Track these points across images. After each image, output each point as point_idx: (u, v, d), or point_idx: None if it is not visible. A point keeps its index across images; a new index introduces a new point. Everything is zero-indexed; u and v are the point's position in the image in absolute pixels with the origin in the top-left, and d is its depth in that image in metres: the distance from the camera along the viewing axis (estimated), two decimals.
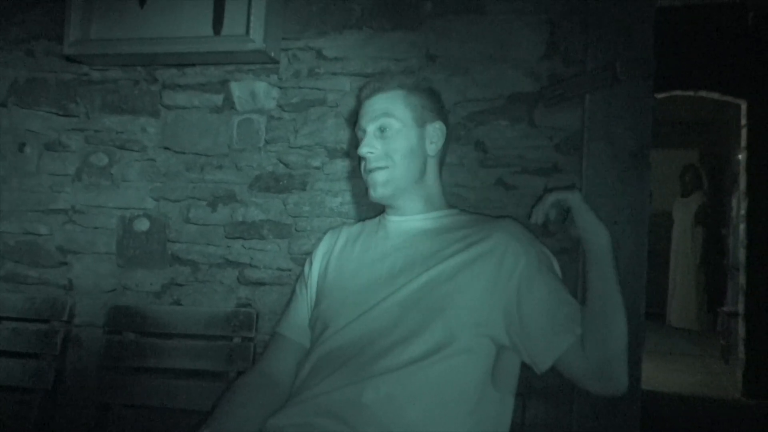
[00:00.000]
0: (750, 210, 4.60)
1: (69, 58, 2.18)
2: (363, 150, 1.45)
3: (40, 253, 2.24)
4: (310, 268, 1.57)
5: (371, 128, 1.45)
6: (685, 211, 7.11)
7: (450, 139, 1.55)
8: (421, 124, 1.46)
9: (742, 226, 4.73)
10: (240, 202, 2.10)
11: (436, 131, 1.49)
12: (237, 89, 2.13)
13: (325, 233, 1.62)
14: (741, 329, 4.64)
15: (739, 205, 5.03)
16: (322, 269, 1.54)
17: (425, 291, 1.34)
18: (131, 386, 1.99)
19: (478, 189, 1.94)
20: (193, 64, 2.15)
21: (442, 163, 1.54)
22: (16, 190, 2.26)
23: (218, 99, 2.14)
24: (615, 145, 1.84)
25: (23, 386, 2.03)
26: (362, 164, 1.48)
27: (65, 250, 2.22)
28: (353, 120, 1.72)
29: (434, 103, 1.52)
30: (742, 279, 4.67)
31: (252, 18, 1.96)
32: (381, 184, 1.44)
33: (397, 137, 1.44)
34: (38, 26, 2.28)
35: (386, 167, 1.43)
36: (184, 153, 2.15)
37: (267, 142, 2.09)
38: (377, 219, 1.57)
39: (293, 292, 1.60)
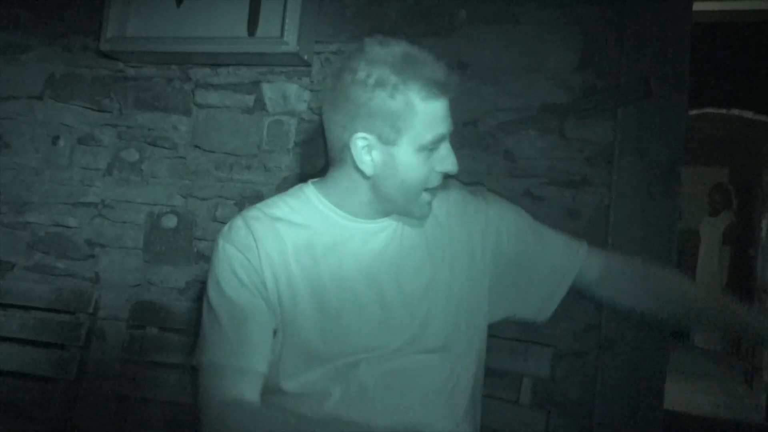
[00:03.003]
0: None
1: (105, 55, 2.21)
2: (456, 167, 1.25)
3: (68, 246, 2.26)
4: (259, 276, 1.22)
5: (450, 133, 1.24)
6: (713, 230, 7.01)
7: None
8: None
9: None
10: None
11: None
12: (269, 91, 2.14)
13: (232, 240, 1.26)
14: (766, 353, 4.56)
15: None
16: (282, 286, 1.23)
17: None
18: (152, 380, 2.00)
19: (506, 199, 1.93)
20: (227, 65, 2.17)
21: None
22: (48, 182, 2.29)
23: (250, 100, 2.15)
24: (646, 160, 1.82)
25: (47, 376, 2.05)
26: (428, 174, 1.22)
27: (93, 243, 2.25)
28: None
29: None
30: None
31: (287, 20, 1.97)
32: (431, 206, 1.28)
33: None
34: (76, 22, 2.32)
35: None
36: (213, 152, 2.17)
37: (296, 144, 2.10)
38: (324, 218, 1.27)
39: (234, 317, 1.23)
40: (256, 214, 1.28)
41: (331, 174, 1.28)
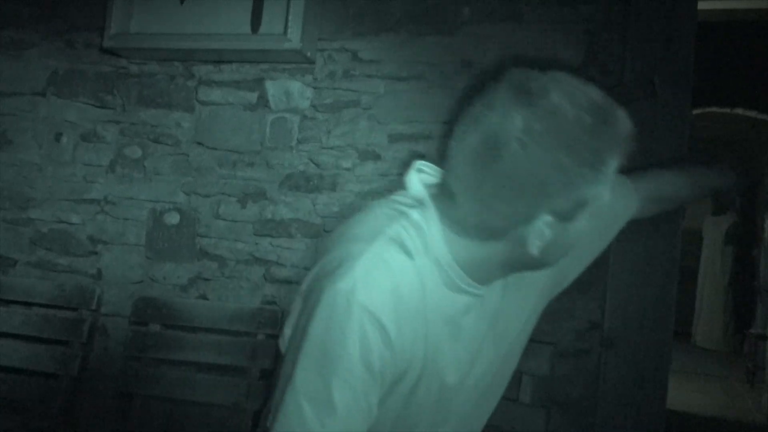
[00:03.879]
0: None
1: (108, 51, 2.21)
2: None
3: (71, 242, 2.27)
4: (382, 375, 0.88)
5: None
6: (716, 230, 7.00)
7: None
8: None
9: None
10: (270, 199, 2.11)
11: None
12: (272, 88, 2.14)
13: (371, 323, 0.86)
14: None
15: None
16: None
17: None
18: (154, 377, 2.01)
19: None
20: (230, 62, 2.17)
21: None
22: (51, 178, 2.29)
23: (253, 97, 2.15)
24: (651, 159, 1.82)
25: (49, 372, 2.06)
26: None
27: (96, 239, 2.25)
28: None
29: None
30: None
31: (290, 17, 1.97)
32: None
33: None
34: (79, 19, 2.32)
35: None
36: (216, 149, 2.17)
37: (299, 141, 2.10)
38: (448, 282, 0.94)
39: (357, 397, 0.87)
40: (402, 264, 0.88)
41: (470, 241, 0.91)
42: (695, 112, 4.57)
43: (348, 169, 2.06)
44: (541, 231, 0.86)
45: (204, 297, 2.14)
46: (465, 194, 0.87)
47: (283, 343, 0.92)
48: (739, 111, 4.72)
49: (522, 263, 0.94)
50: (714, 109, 4.72)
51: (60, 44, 2.34)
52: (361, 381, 0.84)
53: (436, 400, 0.98)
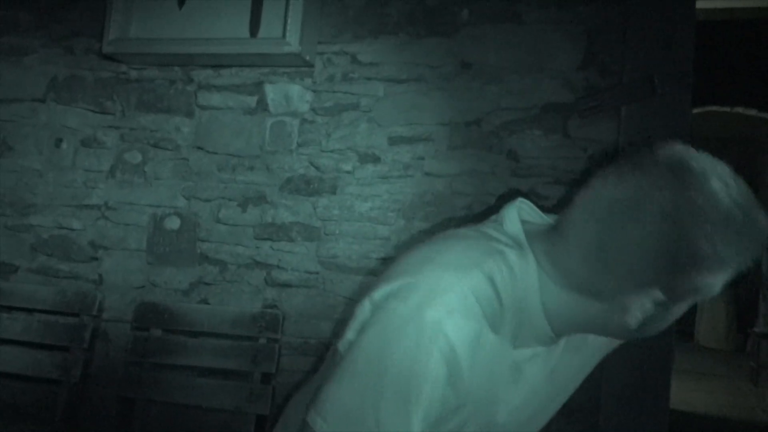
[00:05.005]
0: None
1: (107, 57, 2.21)
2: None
3: (72, 248, 2.27)
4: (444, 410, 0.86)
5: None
6: None
7: None
8: None
9: None
10: (270, 203, 2.11)
11: None
12: (271, 92, 2.14)
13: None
14: None
15: None
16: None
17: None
18: (156, 382, 2.01)
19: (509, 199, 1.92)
20: (229, 66, 2.17)
21: None
22: (51, 184, 2.30)
23: (252, 101, 2.15)
24: None
25: (51, 378, 2.06)
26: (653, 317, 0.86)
27: (97, 245, 2.25)
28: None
29: None
30: None
31: (289, 21, 1.97)
32: None
33: None
34: (78, 24, 2.32)
35: None
36: (216, 153, 2.17)
37: (299, 144, 2.10)
38: (534, 333, 0.93)
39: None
40: (493, 310, 0.86)
41: (568, 293, 0.89)
42: (695, 111, 4.57)
43: (348, 172, 2.06)
44: (645, 304, 0.83)
45: (205, 301, 2.14)
46: (584, 247, 0.84)
47: (344, 345, 0.88)
48: (740, 109, 4.72)
49: (610, 330, 0.92)
50: (714, 107, 4.73)
51: (59, 50, 2.34)
52: (417, 409, 0.81)
53: None
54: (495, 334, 0.86)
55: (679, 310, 0.87)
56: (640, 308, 0.83)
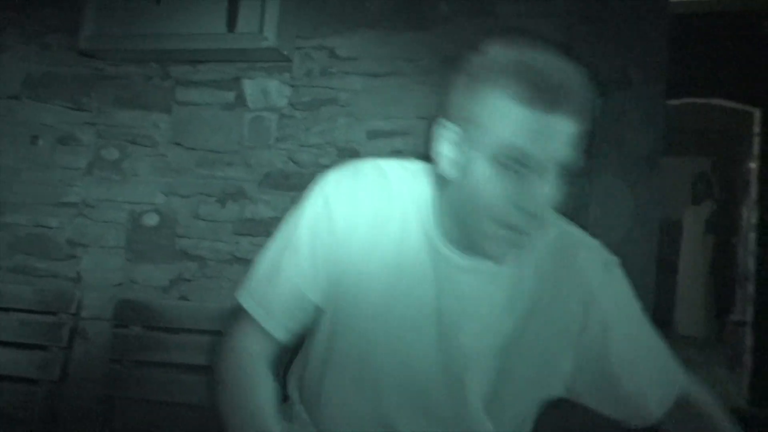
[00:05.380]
0: (761, 219, 4.57)
1: (84, 53, 2.19)
2: (547, 193, 0.89)
3: (49, 246, 2.25)
4: (330, 228, 1.01)
5: (554, 165, 0.89)
6: (696, 220, 7.08)
7: None
8: None
9: (752, 235, 4.71)
10: (249, 199, 2.11)
11: None
12: (249, 87, 2.13)
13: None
14: (748, 338, 4.61)
15: (749, 215, 5.00)
16: (345, 252, 1.02)
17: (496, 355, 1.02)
18: (137, 380, 1.99)
19: None
20: (207, 61, 2.16)
21: None
22: (28, 182, 2.27)
23: (230, 96, 2.14)
24: (626, 150, 1.84)
25: (30, 377, 2.03)
26: (493, 210, 0.90)
27: (75, 243, 2.23)
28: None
29: None
30: (750, 288, 4.65)
31: (266, 16, 1.96)
32: (513, 251, 0.96)
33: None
34: (54, 20, 2.29)
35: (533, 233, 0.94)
36: (194, 149, 2.16)
37: (277, 140, 2.10)
38: (417, 227, 1.01)
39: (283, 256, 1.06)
40: (373, 180, 1.05)
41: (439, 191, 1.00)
42: (673, 103, 4.60)
43: (327, 167, 2.04)
44: (443, 139, 0.98)
45: (185, 298, 2.13)
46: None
47: None
48: (717, 101, 4.77)
49: (454, 216, 0.96)
50: (693, 99, 4.76)
51: (35, 47, 2.31)
52: (308, 248, 1.02)
53: (360, 361, 1.02)
54: (386, 206, 1.01)
55: (484, 160, 0.90)
56: (446, 148, 0.96)
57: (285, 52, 2.03)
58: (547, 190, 0.89)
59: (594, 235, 1.82)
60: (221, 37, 2.03)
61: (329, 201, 1.02)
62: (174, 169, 2.17)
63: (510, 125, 0.88)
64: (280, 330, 1.05)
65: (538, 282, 1.02)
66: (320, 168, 2.05)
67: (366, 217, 1.01)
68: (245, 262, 2.10)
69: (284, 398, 1.19)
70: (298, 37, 2.09)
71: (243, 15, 2.04)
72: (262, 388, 1.03)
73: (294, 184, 2.07)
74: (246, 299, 1.07)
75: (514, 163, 0.87)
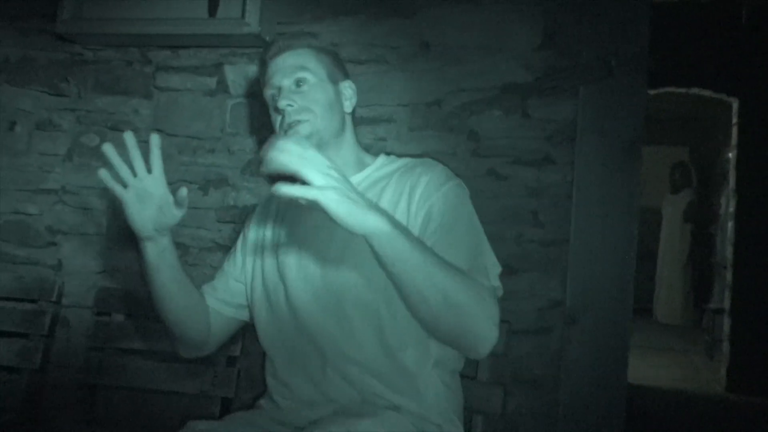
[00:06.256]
0: (738, 208, 4.64)
1: (62, 37, 2.16)
2: (282, 103, 1.40)
3: (29, 233, 2.22)
4: (244, 237, 1.60)
5: (287, 83, 1.43)
6: (675, 208, 7.16)
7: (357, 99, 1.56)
8: (334, 81, 1.48)
9: (730, 224, 4.77)
10: (232, 186, 2.10)
11: (348, 89, 1.52)
12: (231, 73, 2.12)
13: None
14: (726, 326, 4.69)
15: (727, 203, 5.07)
16: (258, 239, 1.55)
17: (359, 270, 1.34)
18: (119, 368, 1.98)
19: (470, 179, 1.92)
20: (188, 47, 2.14)
21: (354, 124, 1.55)
22: (6, 169, 2.24)
23: (212, 82, 2.13)
24: (607, 138, 1.85)
25: (10, 366, 2.02)
26: (279, 121, 1.44)
27: (54, 230, 2.21)
28: (257, 85, 1.72)
29: (341, 63, 1.56)
30: (728, 276, 4.71)
31: (248, 1, 1.94)
32: (305, 137, 1.35)
33: (315, 90, 1.43)
34: (31, 3, 2.25)
35: (308, 120, 1.41)
36: (176, 135, 2.14)
37: (260, 126, 2.09)
38: None
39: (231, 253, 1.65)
40: None
41: None
42: (653, 92, 4.64)
43: None
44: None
45: None
46: None
47: None
48: (696, 90, 4.81)
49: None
50: (671, 89, 4.81)
51: (11, 31, 2.27)
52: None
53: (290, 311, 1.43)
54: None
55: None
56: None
57: (267, 38, 2.01)
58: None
59: (577, 220, 1.84)
60: (202, 22, 2.01)
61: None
62: None
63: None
64: None
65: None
66: None
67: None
68: (227, 250, 2.09)
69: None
70: (279, 23, 2.07)
71: (224, 0, 2.02)
72: None
73: None
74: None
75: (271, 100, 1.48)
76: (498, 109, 1.94)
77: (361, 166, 1.50)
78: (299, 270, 1.42)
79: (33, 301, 2.08)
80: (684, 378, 4.85)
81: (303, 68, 1.43)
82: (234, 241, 2.03)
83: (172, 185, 2.10)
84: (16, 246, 2.23)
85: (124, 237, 2.15)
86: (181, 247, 2.11)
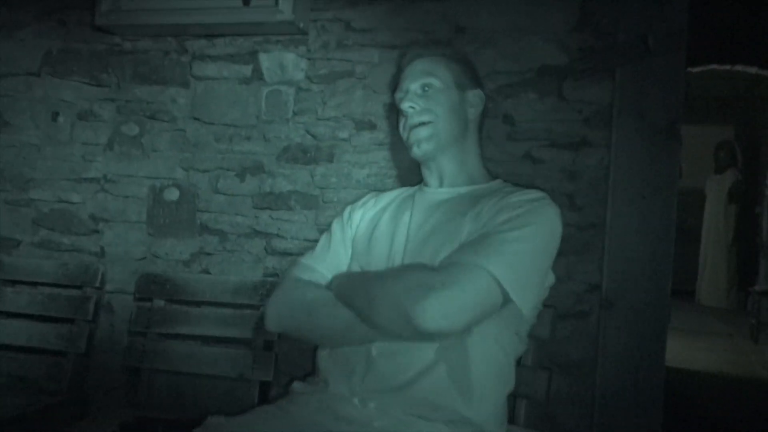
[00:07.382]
0: None
1: (100, 29, 2.20)
2: (405, 105, 1.50)
3: (72, 221, 2.28)
4: (350, 217, 1.63)
5: (414, 87, 1.51)
6: (719, 188, 6.99)
7: (487, 111, 1.63)
8: (461, 88, 1.53)
9: None
10: (268, 173, 2.12)
11: (475, 97, 1.56)
12: (266, 60, 2.13)
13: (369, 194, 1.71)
14: None
15: None
16: (359, 226, 1.60)
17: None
18: (160, 352, 2.04)
19: (505, 163, 1.93)
20: (223, 35, 2.16)
21: (481, 133, 1.60)
22: (50, 158, 2.30)
23: (247, 70, 2.15)
24: (645, 120, 1.82)
25: (57, 349, 2.09)
26: (402, 123, 1.54)
27: (97, 218, 2.26)
28: (392, 89, 1.87)
29: (472, 71, 1.60)
30: None
31: None
32: (425, 139, 1.48)
33: (439, 94, 1.49)
34: None
35: (430, 122, 1.48)
36: (213, 124, 2.17)
37: (295, 113, 2.10)
38: (413, 189, 1.62)
39: (331, 234, 1.63)
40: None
41: None
42: (695, 70, 4.54)
43: (345, 140, 2.06)
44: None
45: (206, 271, 2.16)
46: None
47: None
48: (740, 67, 4.68)
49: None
50: (714, 66, 4.69)
51: (52, 23, 2.32)
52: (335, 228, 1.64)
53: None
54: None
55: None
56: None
57: (300, 25, 2.02)
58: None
59: (614, 203, 1.82)
60: (237, 11, 2.02)
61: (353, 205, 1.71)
62: (193, 143, 2.18)
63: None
64: None
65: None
66: (337, 141, 2.06)
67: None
68: (264, 236, 2.12)
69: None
70: (312, 10, 2.08)
71: None
72: None
73: (312, 158, 2.08)
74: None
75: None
76: (533, 91, 1.92)
77: (471, 181, 1.54)
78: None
79: (78, 287, 2.14)
80: (728, 362, 4.75)
81: (430, 74, 1.50)
82: (272, 226, 2.06)
83: (210, 173, 2.16)
84: (61, 234, 2.29)
85: (163, 224, 2.19)
86: (219, 234, 2.15)
